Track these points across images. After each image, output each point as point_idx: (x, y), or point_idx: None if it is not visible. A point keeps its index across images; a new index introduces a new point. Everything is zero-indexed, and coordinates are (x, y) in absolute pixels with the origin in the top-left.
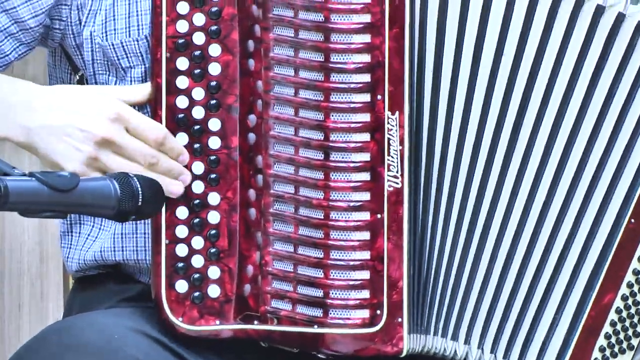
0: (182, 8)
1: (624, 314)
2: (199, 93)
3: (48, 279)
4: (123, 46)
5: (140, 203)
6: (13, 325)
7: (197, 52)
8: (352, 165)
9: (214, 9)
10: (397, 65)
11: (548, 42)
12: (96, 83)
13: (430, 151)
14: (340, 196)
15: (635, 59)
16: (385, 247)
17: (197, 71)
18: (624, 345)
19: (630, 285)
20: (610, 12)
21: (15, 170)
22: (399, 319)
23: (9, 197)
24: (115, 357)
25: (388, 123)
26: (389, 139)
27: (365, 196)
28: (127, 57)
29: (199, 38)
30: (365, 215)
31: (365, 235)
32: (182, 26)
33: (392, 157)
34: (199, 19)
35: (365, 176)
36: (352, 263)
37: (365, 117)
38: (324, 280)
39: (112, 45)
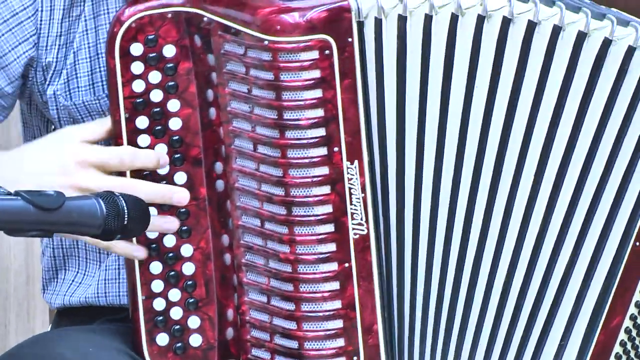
0: (137, 68)
1: (634, 332)
2: (161, 149)
3: (34, 299)
4: (86, 106)
5: (126, 222)
6: None
7: (157, 109)
8: (315, 218)
9: (169, 65)
10: (352, 116)
11: (524, 76)
12: None
13: (400, 193)
14: (306, 249)
15: (627, 86)
16: (356, 294)
17: (157, 128)
18: None
19: (638, 305)
20: (594, 37)
21: (0, 189)
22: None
23: None
24: None
25: (348, 173)
26: (350, 188)
27: (331, 247)
28: (90, 116)
29: (156, 95)
30: (333, 266)
31: (335, 285)
32: (138, 86)
33: (354, 205)
34: (155, 76)
35: (330, 228)
36: (324, 314)
37: (324, 170)
38: (297, 332)
39: (75, 105)
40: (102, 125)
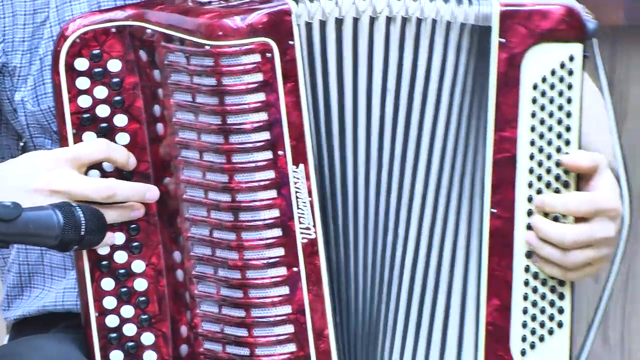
0: (82, 83)
1: (534, 298)
2: (108, 165)
3: None
4: (52, 112)
5: (83, 233)
6: None
7: (103, 125)
8: (262, 223)
9: (115, 79)
10: (297, 119)
11: (416, 75)
12: (34, 146)
13: (344, 197)
14: (255, 255)
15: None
16: (306, 299)
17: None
18: (550, 325)
19: (527, 269)
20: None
21: None
22: None
23: None
24: None
25: (293, 177)
26: (296, 192)
27: (280, 252)
28: (46, 116)
29: (103, 111)
30: (282, 271)
31: (285, 290)
32: (84, 101)
33: (301, 209)
34: (101, 91)
35: (277, 232)
36: (274, 319)
37: (270, 174)
38: (249, 338)
39: (42, 111)
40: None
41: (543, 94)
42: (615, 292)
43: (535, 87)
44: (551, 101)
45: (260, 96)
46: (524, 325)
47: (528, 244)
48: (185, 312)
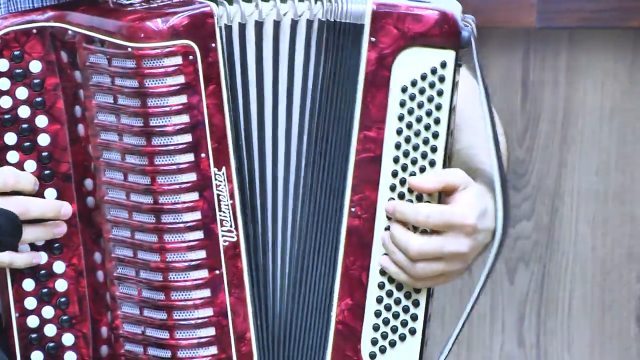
0: (3, 84)
1: (388, 302)
2: (30, 165)
3: None
4: None
5: None
6: None
7: (25, 125)
8: (184, 225)
9: (36, 80)
10: (219, 122)
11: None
12: None
13: (263, 200)
14: (177, 257)
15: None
16: (228, 301)
17: (26, 144)
18: (404, 331)
19: (383, 273)
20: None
21: None
22: None
23: None
24: None
25: (216, 179)
26: (218, 195)
27: (201, 254)
28: None
29: (24, 111)
30: (204, 273)
31: (206, 293)
32: (5, 102)
33: (224, 212)
34: (22, 92)
35: (199, 235)
36: (195, 321)
37: (192, 177)
38: (170, 341)
39: None
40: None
41: (412, 97)
42: (531, 294)
43: (404, 90)
44: (420, 106)
45: (183, 98)
46: (376, 328)
47: (384, 245)
48: (106, 313)
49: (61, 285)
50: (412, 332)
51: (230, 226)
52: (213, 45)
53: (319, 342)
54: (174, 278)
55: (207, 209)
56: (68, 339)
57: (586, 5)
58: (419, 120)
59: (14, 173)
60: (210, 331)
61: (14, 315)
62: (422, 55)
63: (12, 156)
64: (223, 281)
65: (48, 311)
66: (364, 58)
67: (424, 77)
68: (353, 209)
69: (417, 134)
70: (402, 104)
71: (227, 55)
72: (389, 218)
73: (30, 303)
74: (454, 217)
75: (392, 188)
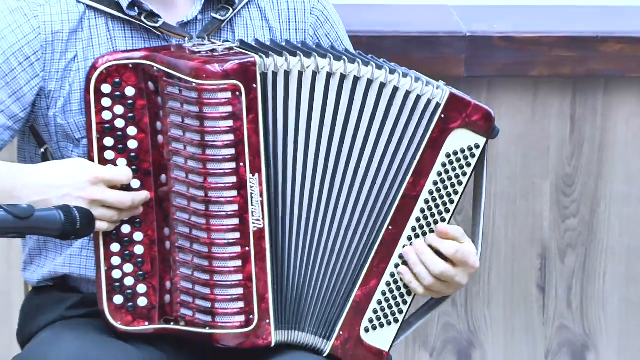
0: (106, 102)
1: (388, 296)
2: (122, 162)
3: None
4: (76, 124)
5: (78, 227)
6: None
7: (119, 133)
8: (225, 214)
9: (129, 101)
10: (255, 141)
11: (350, 116)
12: (60, 151)
13: (284, 200)
14: (218, 236)
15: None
16: (254, 271)
17: (120, 147)
18: (390, 318)
19: (392, 275)
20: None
21: None
22: (267, 321)
23: None
24: None
25: (250, 182)
26: (251, 194)
27: (237, 235)
28: (79, 131)
29: (119, 123)
30: (237, 249)
31: (238, 263)
32: (106, 115)
33: (254, 206)
34: (119, 109)
35: (236, 221)
36: (229, 283)
37: (233, 179)
38: (211, 295)
39: (69, 123)
40: (113, 172)
41: (450, 162)
42: (576, 271)
43: (448, 155)
44: (453, 169)
45: (229, 122)
46: (374, 312)
47: (406, 257)
48: (169, 272)
49: (139, 249)
50: (396, 320)
51: (259, 217)
52: (254, 85)
53: (334, 310)
54: (216, 251)
55: (242, 203)
56: (141, 288)
57: (499, 60)
58: (449, 178)
59: (129, 174)
60: (239, 291)
61: (103, 268)
62: (466, 135)
63: (109, 154)
64: (251, 256)
65: (128, 267)
66: (432, 126)
67: (462, 151)
68: (390, 227)
69: (445, 187)
70: (443, 165)
71: (264, 94)
72: (408, 239)
73: (115, 260)
74: (470, 259)
75: (417, 219)
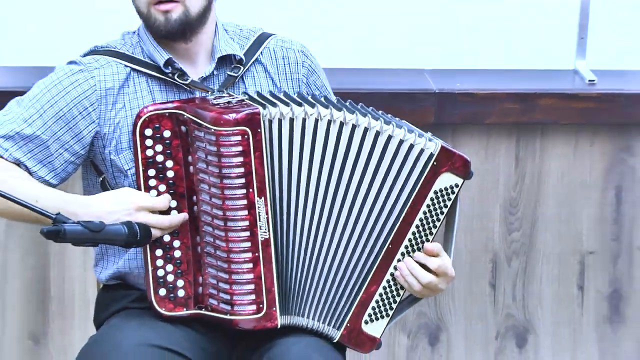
0: (149, 142)
1: (384, 297)
2: (162, 187)
3: (89, 283)
4: (125, 159)
5: (138, 238)
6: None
7: (160, 165)
8: (239, 227)
9: (167, 141)
10: (261, 172)
11: (348, 155)
12: (114, 180)
13: (288, 216)
14: (235, 245)
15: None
16: (262, 271)
17: (160, 176)
18: (384, 313)
19: (388, 282)
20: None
21: (70, 220)
22: (274, 309)
23: (67, 235)
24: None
25: (257, 204)
26: (259, 213)
27: (248, 244)
28: (127, 164)
29: (160, 158)
30: (249, 255)
31: (250, 265)
32: (149, 152)
33: (261, 222)
34: (159, 147)
35: (247, 233)
36: (244, 280)
37: (244, 202)
38: (230, 290)
39: (119, 158)
40: (154, 201)
41: (437, 198)
42: (520, 271)
43: (435, 192)
44: (438, 204)
45: (240, 159)
46: (373, 307)
47: (401, 271)
48: (200, 271)
49: (177, 253)
50: (387, 315)
51: (265, 230)
52: (259, 130)
53: (344, 307)
54: (233, 256)
55: (252, 220)
56: (180, 283)
57: (461, 112)
58: (435, 209)
59: (168, 200)
60: (251, 286)
61: (150, 268)
62: (450, 177)
63: (152, 182)
64: (260, 259)
65: (169, 267)
66: (425, 172)
67: (446, 189)
68: (390, 245)
69: (431, 216)
70: (431, 199)
71: (269, 136)
72: (401, 254)
73: (159, 262)
74: (449, 271)
75: (409, 240)
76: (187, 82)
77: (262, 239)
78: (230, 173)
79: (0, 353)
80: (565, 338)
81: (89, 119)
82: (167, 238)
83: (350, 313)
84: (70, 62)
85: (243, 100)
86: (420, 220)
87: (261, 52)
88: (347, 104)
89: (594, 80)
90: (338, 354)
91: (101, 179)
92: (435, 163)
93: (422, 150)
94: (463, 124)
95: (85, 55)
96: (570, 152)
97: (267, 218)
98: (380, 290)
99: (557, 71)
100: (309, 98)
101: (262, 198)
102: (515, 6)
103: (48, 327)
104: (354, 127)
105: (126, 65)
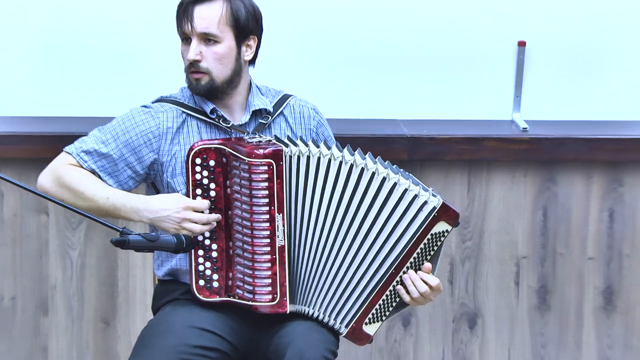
0: (197, 169)
1: (383, 304)
2: (206, 203)
3: (147, 279)
4: (179, 182)
5: (184, 246)
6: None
7: (205, 186)
8: (262, 235)
9: (211, 168)
10: (280, 195)
11: (356, 192)
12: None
13: (300, 230)
14: (257, 249)
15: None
16: (278, 269)
17: (205, 194)
18: (380, 317)
19: (389, 291)
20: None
21: (133, 232)
22: (285, 299)
23: (130, 244)
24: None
25: (276, 218)
26: (277, 225)
27: (268, 249)
28: (179, 186)
29: (205, 181)
30: (268, 257)
31: (269, 265)
32: (198, 176)
33: (279, 232)
34: (204, 173)
35: (267, 240)
36: (263, 276)
37: (266, 217)
38: (253, 283)
39: (174, 181)
40: (197, 203)
41: (432, 238)
42: (468, 267)
43: (432, 235)
44: (430, 244)
45: (265, 184)
46: (375, 309)
47: (405, 282)
48: (231, 268)
49: (214, 253)
50: (382, 319)
51: (282, 238)
52: (281, 163)
53: (353, 309)
54: (256, 257)
55: (272, 230)
56: (215, 276)
57: (427, 151)
58: (430, 246)
59: (207, 203)
60: (269, 281)
61: (193, 264)
62: (444, 225)
63: (199, 198)
64: (276, 261)
65: (207, 264)
66: (426, 222)
67: (439, 233)
68: (394, 270)
69: (426, 250)
70: (428, 239)
71: (289, 168)
72: (403, 272)
73: (200, 259)
74: (439, 287)
75: (407, 267)
76: (228, 126)
77: (279, 245)
78: (257, 194)
79: (80, 332)
80: (505, 321)
81: (150, 148)
82: (207, 242)
83: (357, 317)
84: (143, 106)
85: (270, 141)
86: (417, 253)
87: (284, 107)
88: (357, 151)
89: (526, 128)
90: (332, 335)
91: (158, 191)
92: (436, 214)
93: (425, 202)
94: (428, 160)
95: (154, 102)
96: (509, 181)
97: (284, 230)
98: (380, 301)
99: (498, 121)
100: (327, 143)
101: (281, 214)
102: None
103: (116, 313)
104: (362, 169)
105: (183, 112)
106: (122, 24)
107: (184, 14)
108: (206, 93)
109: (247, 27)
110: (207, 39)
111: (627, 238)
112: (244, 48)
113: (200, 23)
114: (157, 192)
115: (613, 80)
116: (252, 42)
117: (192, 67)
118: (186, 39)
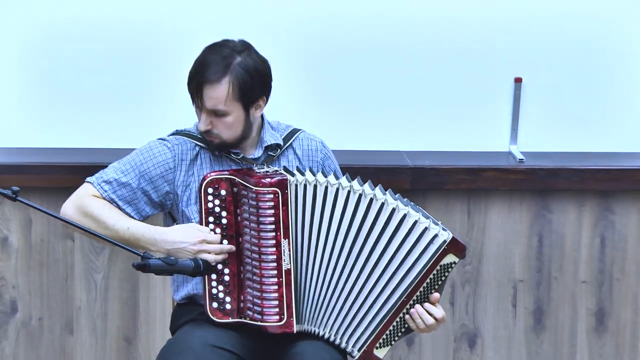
0: (210, 198)
1: (392, 331)
2: (218, 231)
3: (166, 301)
4: (192, 210)
5: (201, 270)
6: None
7: (217, 215)
8: (269, 259)
9: (223, 197)
10: (286, 221)
11: (365, 222)
12: (182, 221)
13: (307, 254)
14: (265, 272)
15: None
16: (284, 292)
17: (217, 222)
18: (390, 341)
19: (398, 320)
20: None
21: (153, 257)
22: (291, 319)
23: (151, 267)
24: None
25: (282, 243)
26: (283, 249)
27: (275, 272)
28: (193, 214)
29: (217, 209)
30: (275, 280)
31: (276, 287)
32: (210, 205)
33: (285, 256)
34: (216, 202)
35: (274, 264)
36: (271, 297)
37: (273, 242)
38: (261, 304)
39: (188, 210)
40: (211, 236)
41: (440, 270)
42: (467, 287)
43: (440, 266)
44: (438, 275)
45: (272, 211)
46: (386, 335)
47: (413, 316)
48: (242, 291)
49: (226, 277)
50: (392, 344)
51: (288, 262)
52: (286, 191)
53: (365, 335)
54: (264, 280)
55: (279, 254)
56: (227, 299)
57: (429, 181)
58: (438, 277)
59: (217, 237)
60: (276, 302)
61: (207, 288)
62: (452, 257)
63: (211, 226)
64: (283, 283)
65: (220, 287)
66: (435, 255)
67: (447, 265)
68: (404, 300)
69: (435, 281)
70: (437, 270)
71: (295, 195)
72: (411, 305)
73: (214, 283)
74: (444, 318)
75: (416, 296)
76: (239, 158)
77: (285, 269)
78: (264, 220)
79: (104, 350)
80: (503, 340)
81: (165, 178)
82: (219, 267)
83: (369, 341)
84: (160, 139)
85: (277, 171)
86: (427, 283)
87: (293, 140)
88: (368, 182)
89: (522, 159)
90: (340, 355)
91: (175, 223)
92: (445, 247)
93: (435, 235)
94: (430, 190)
95: (170, 135)
96: (506, 209)
97: (290, 254)
98: (391, 327)
99: (496, 152)
100: (337, 174)
101: (287, 239)
102: (466, 108)
103: (137, 332)
104: (371, 199)
105: (197, 145)
106: (146, 68)
107: (194, 90)
108: (222, 149)
109: (254, 94)
110: (216, 113)
111: (618, 263)
112: (253, 109)
113: (209, 102)
114: (174, 219)
115: (604, 115)
116: (262, 102)
117: (204, 132)
118: (197, 107)
